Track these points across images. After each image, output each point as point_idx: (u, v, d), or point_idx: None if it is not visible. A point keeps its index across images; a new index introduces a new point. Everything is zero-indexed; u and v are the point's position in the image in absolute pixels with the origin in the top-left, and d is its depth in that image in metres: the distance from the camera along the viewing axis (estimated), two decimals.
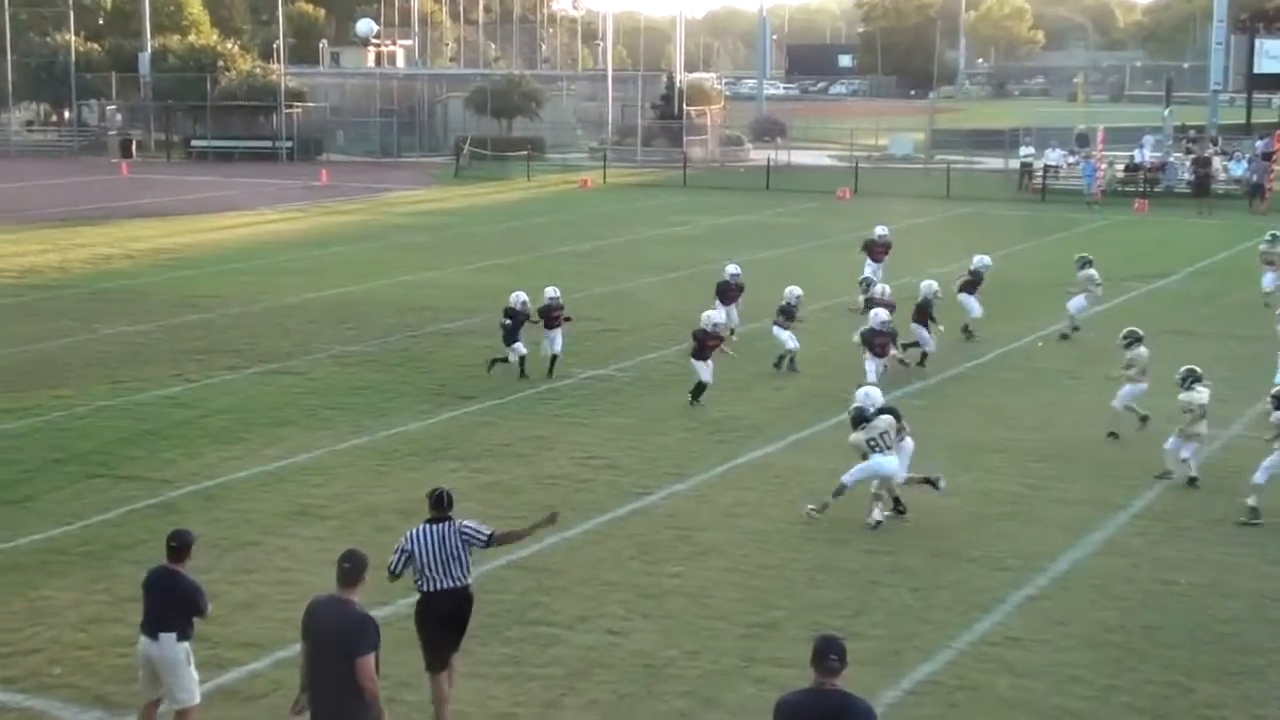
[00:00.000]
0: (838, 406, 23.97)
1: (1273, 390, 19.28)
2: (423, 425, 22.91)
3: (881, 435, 17.93)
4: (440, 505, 12.77)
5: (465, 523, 12.78)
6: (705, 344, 24.34)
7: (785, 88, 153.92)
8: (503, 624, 15.08)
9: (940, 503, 18.70)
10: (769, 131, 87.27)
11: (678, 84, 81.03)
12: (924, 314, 27.28)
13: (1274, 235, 34.52)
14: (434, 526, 12.62)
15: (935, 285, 27.79)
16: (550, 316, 26.39)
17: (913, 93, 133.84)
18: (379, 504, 18.78)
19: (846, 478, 18.03)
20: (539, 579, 16.37)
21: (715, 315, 25.49)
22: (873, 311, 25.61)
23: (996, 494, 19.52)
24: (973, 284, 29.94)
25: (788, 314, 27.01)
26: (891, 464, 17.97)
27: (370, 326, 30.89)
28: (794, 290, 27.28)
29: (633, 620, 15.19)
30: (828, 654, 8.90)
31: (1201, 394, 19.54)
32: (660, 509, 18.95)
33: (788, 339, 26.89)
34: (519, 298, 26.05)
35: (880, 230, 35.34)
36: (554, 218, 52.52)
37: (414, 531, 12.66)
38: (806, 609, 15.51)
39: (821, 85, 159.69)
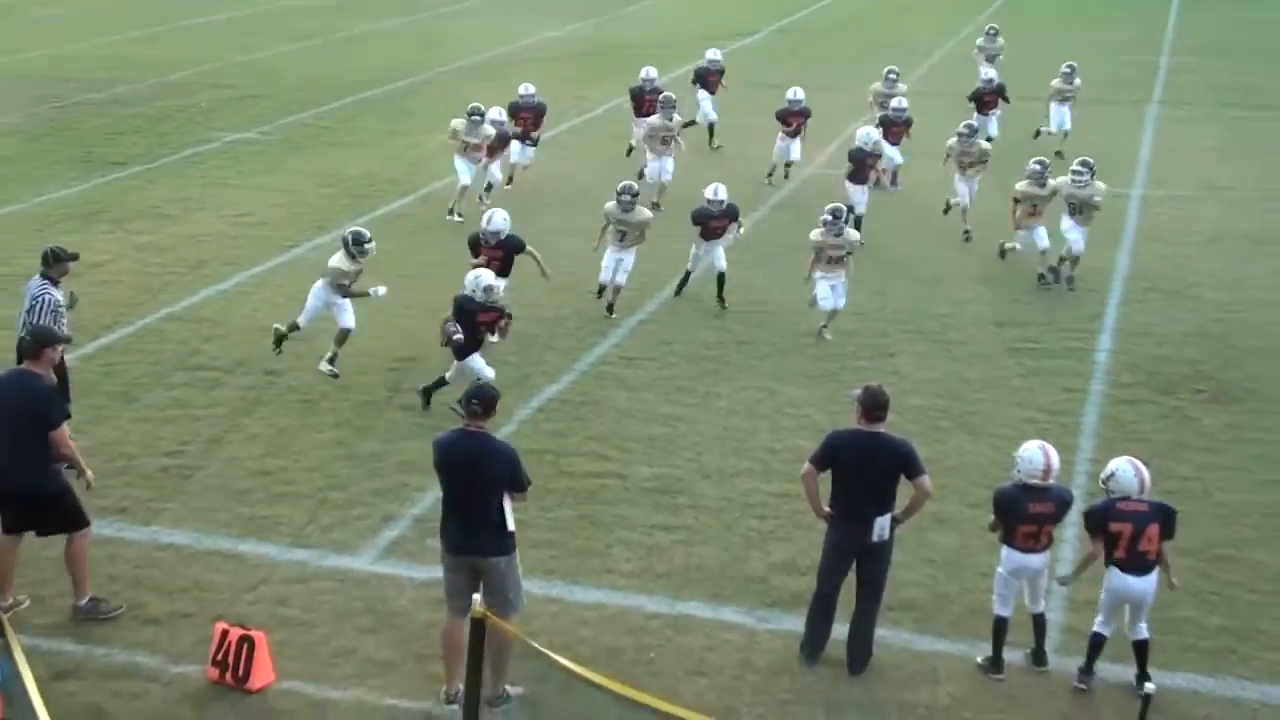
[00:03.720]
0: None
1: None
2: (75, 191, 21.59)
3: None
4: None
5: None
6: (474, 315, 13.64)
7: None
8: (166, 371, 14.59)
9: (558, 246, 18.87)
10: None
11: None
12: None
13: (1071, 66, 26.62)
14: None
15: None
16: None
17: None
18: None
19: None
20: (198, 329, 15.86)
21: (485, 278, 13.74)
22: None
23: None
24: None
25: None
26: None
27: (13, 99, 28.65)
28: (868, 134, 20.61)
29: (288, 361, 14.90)
30: (470, 400, 9.04)
31: None
32: (307, 261, 18.50)
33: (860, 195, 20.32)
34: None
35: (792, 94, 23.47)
36: None
37: None
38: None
39: None
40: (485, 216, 15.60)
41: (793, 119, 22.92)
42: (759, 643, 9.92)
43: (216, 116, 27.31)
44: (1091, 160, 18.38)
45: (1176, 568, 9.54)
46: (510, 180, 22.05)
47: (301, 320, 14.50)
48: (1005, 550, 9.59)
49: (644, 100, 23.49)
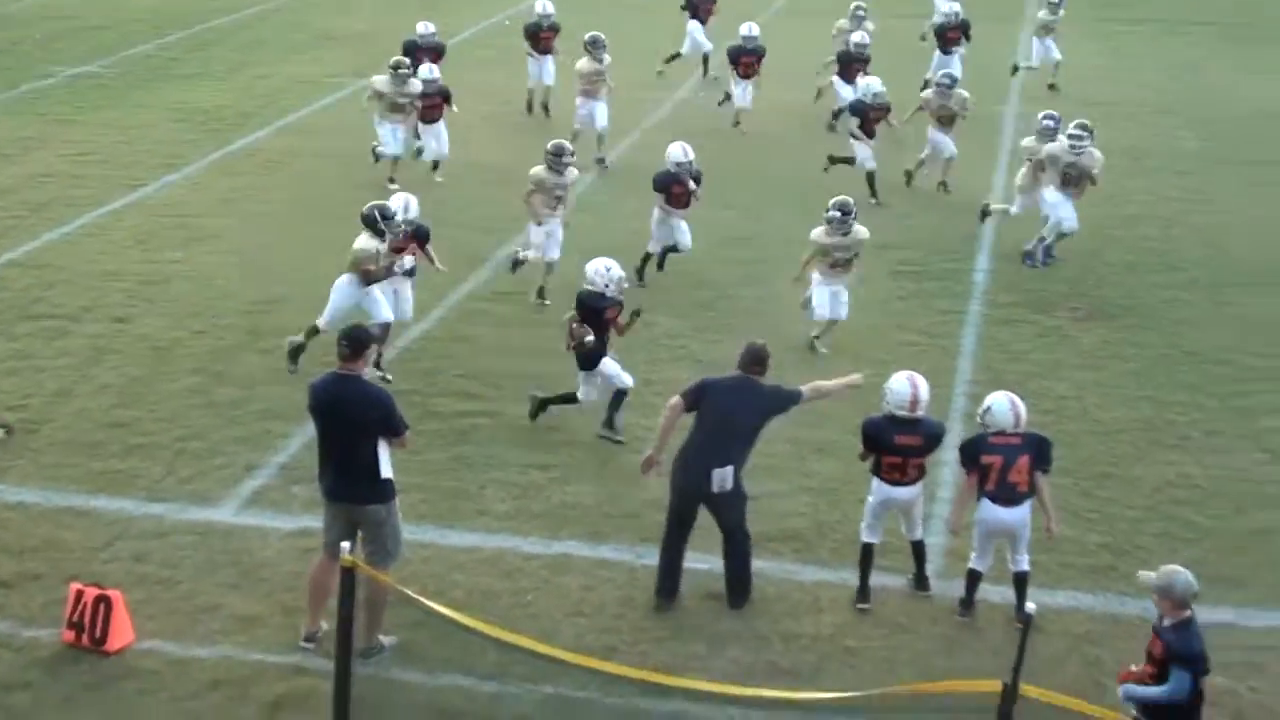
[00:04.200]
0: (322, 90, 23.34)
1: None
2: None
3: None
4: None
5: None
6: (603, 312, 12.09)
7: None
8: (7, 321, 14.10)
9: (429, 181, 18.56)
10: None
11: None
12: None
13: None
14: None
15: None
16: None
17: None
18: None
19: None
20: (40, 275, 15.35)
21: (616, 269, 12.27)
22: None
23: (483, 166, 19.45)
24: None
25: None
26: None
27: None
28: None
29: (138, 307, 14.49)
30: (340, 342, 8.75)
31: None
32: (156, 199, 18.01)
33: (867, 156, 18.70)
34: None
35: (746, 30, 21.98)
36: None
37: None
38: (309, 282, 15.06)
39: None
40: (401, 205, 13.39)
41: (745, 59, 21.20)
42: (639, 580, 9.87)
43: (54, 50, 26.44)
44: (1090, 124, 16.50)
45: (1056, 488, 9.66)
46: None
47: (323, 322, 12.79)
48: (874, 481, 9.63)
49: (540, 36, 21.99)
